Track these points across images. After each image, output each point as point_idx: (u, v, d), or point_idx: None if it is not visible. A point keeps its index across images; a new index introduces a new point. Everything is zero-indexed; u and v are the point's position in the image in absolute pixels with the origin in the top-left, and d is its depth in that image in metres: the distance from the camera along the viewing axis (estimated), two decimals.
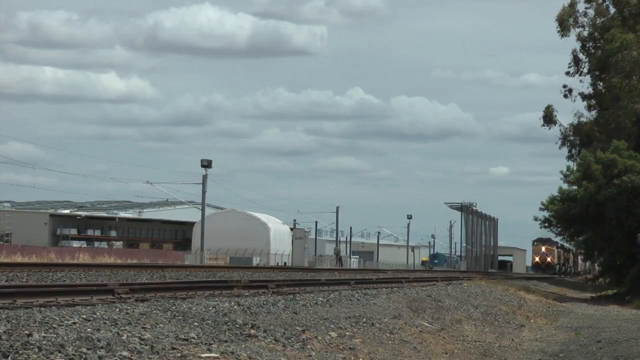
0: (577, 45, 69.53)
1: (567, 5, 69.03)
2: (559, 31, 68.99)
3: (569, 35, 69.14)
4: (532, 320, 32.57)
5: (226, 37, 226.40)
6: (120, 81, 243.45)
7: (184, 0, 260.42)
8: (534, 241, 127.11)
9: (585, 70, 69.54)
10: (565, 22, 68.82)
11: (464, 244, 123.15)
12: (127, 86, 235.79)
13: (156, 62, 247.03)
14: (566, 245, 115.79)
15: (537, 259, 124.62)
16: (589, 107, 71.57)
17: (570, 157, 71.84)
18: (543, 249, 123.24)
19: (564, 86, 71.71)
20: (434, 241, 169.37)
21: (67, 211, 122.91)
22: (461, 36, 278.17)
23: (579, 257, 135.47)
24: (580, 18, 68.92)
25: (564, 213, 56.49)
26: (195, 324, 15.24)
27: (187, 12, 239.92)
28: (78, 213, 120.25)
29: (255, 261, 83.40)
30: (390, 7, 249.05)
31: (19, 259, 55.57)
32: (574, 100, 71.66)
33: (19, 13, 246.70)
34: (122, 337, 12.79)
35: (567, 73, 70.40)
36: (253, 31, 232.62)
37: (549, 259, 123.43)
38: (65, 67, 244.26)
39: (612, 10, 68.28)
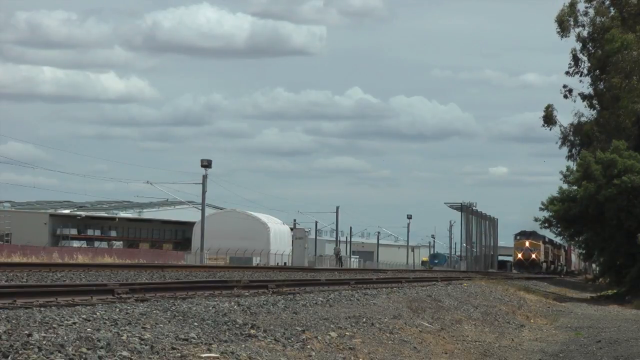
0: (577, 45, 69.57)
1: (567, 6, 69.02)
2: (558, 32, 69.00)
3: (568, 36, 69.15)
4: (532, 320, 32.58)
5: (225, 37, 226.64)
6: (120, 81, 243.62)
7: (182, 0, 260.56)
8: (516, 235, 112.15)
9: (585, 70, 69.57)
10: (565, 22, 68.80)
11: (464, 244, 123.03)
12: (127, 86, 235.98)
13: (155, 62, 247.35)
14: (557, 240, 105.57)
15: (519, 255, 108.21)
16: (589, 107, 71.62)
17: (570, 157, 71.84)
18: (527, 243, 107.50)
19: (564, 86, 71.70)
20: (434, 241, 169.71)
21: (67, 211, 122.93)
22: (460, 36, 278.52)
23: (573, 255, 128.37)
24: (580, 17, 68.90)
25: (564, 213, 56.48)
26: (195, 324, 15.24)
27: (185, 12, 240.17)
28: (78, 213, 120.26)
29: (255, 261, 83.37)
30: (389, 7, 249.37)
31: (18, 259, 55.60)
32: (574, 101, 71.70)
33: (18, 13, 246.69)
34: (122, 337, 12.79)
35: (567, 73, 70.41)
36: (252, 31, 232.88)
37: (533, 256, 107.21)
38: (64, 67, 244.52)
39: (612, 10, 68.27)
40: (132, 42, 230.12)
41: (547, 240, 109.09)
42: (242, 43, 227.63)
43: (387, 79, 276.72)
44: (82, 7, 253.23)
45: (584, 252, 69.72)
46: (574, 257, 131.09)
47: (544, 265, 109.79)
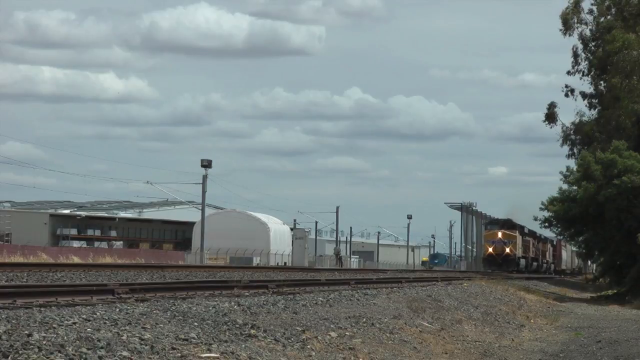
0: (579, 44, 69.62)
1: (572, 3, 69.06)
2: (561, 30, 69.08)
3: (572, 34, 69.22)
4: (532, 320, 32.57)
5: (223, 37, 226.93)
6: (119, 81, 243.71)
7: (180, 0, 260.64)
8: (486, 224, 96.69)
9: (586, 69, 69.60)
10: (569, 21, 68.85)
11: (464, 244, 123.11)
12: (126, 86, 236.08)
13: (154, 62, 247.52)
14: (540, 233, 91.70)
15: (490, 249, 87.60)
16: (590, 107, 71.70)
17: (571, 155, 71.91)
18: (499, 234, 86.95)
19: (566, 86, 71.77)
20: (434, 241, 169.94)
21: (67, 211, 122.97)
22: (459, 36, 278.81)
23: (564, 251, 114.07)
24: (584, 16, 68.98)
25: (564, 213, 56.50)
26: (195, 324, 15.23)
27: (184, 12, 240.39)
28: (78, 213, 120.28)
29: (256, 261, 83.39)
30: (387, 6, 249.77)
31: (19, 259, 55.54)
32: (575, 99, 71.79)
33: (16, 13, 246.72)
34: (122, 337, 12.79)
35: (568, 72, 70.48)
36: (250, 31, 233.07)
37: (507, 250, 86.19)
38: (63, 66, 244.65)
39: (614, 10, 68.31)
40: (130, 42, 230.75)
41: (526, 231, 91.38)
42: (240, 43, 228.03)
43: (386, 79, 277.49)
44: (80, 6, 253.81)
45: (584, 251, 69.75)
46: (564, 254, 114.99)
47: (523, 261, 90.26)
